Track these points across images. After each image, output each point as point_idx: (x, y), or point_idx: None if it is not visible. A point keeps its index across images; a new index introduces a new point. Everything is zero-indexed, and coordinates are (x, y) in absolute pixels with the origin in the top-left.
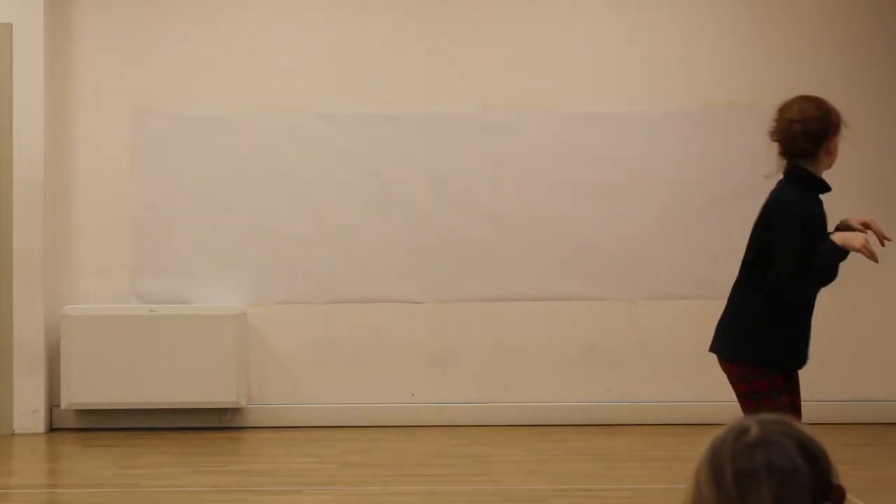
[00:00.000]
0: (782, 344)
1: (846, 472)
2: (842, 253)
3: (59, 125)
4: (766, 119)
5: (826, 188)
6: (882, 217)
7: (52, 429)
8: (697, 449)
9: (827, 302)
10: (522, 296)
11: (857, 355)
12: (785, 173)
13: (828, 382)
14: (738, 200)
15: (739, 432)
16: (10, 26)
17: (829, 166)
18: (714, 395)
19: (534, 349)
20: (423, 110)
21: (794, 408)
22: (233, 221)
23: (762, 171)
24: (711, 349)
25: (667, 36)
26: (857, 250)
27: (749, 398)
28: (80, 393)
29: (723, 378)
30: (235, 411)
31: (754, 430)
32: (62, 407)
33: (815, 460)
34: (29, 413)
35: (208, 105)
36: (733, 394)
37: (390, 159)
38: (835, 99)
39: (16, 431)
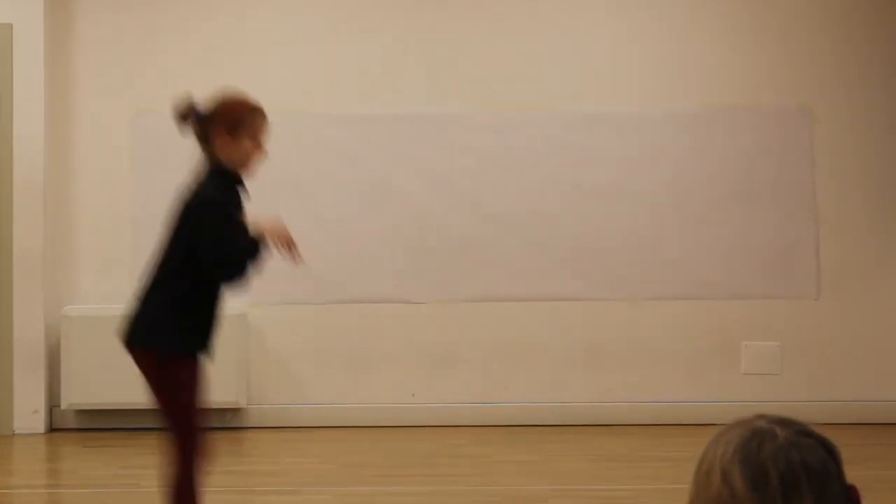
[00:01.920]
0: (196, 331)
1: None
2: (258, 243)
3: (59, 125)
4: (765, 119)
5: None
6: (882, 217)
7: (52, 429)
8: (697, 449)
9: (827, 302)
10: (522, 296)
11: (857, 355)
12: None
13: (828, 382)
14: (737, 200)
15: (765, 433)
16: (10, 26)
17: (245, 162)
18: (714, 395)
19: (534, 349)
20: (423, 110)
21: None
22: None
23: (762, 171)
24: (125, 342)
25: (666, 36)
26: (274, 240)
27: (163, 386)
28: (80, 393)
29: (723, 378)
30: (235, 411)
31: (781, 431)
32: (62, 407)
33: (837, 459)
34: (29, 413)
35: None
36: (733, 394)
37: (390, 159)
38: (834, 98)
39: (16, 431)
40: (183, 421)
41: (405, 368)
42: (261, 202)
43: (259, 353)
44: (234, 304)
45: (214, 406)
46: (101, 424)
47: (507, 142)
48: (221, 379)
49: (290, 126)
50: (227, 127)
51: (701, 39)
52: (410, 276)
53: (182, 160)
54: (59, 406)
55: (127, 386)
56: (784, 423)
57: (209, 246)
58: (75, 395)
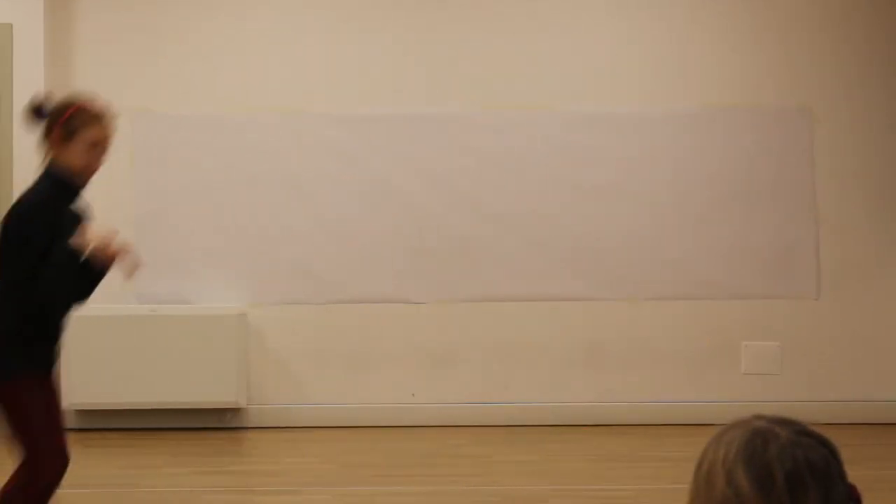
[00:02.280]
0: (31, 350)
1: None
2: (77, 258)
3: None
4: (765, 119)
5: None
6: (882, 217)
7: None
8: (697, 449)
9: (827, 302)
10: (522, 296)
11: (857, 355)
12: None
13: (828, 382)
14: (737, 200)
15: (767, 433)
16: (10, 26)
17: (80, 170)
18: (714, 395)
19: (534, 349)
20: (423, 110)
21: (57, 407)
22: (233, 221)
23: (762, 171)
24: None
25: (666, 36)
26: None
27: (8, 415)
28: (80, 393)
29: (723, 378)
30: (235, 411)
31: (782, 431)
32: (62, 407)
33: (838, 458)
34: None
35: (208, 105)
36: (733, 394)
37: (390, 159)
38: (834, 98)
39: None
40: (33, 447)
41: (405, 368)
42: (261, 202)
43: (259, 353)
44: (233, 303)
45: (214, 406)
46: (100, 424)
47: (507, 142)
48: (221, 379)
49: (290, 126)
50: (63, 130)
51: (701, 39)
52: (410, 276)
53: (182, 160)
54: None
55: (127, 386)
56: (783, 422)
57: (12, 262)
58: (75, 395)
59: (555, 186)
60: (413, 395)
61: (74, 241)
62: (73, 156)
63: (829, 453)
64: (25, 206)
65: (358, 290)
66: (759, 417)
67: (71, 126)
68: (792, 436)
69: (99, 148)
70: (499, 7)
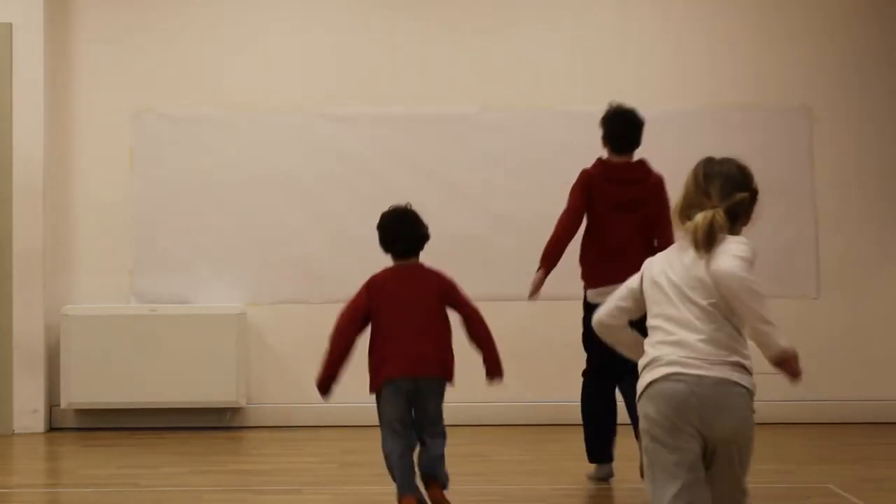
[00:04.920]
0: None
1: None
2: None
3: (59, 125)
4: (765, 119)
5: None
6: (882, 216)
7: (52, 428)
8: None
9: (827, 301)
10: (522, 296)
11: (857, 355)
12: None
13: (828, 382)
14: None
15: (713, 159)
16: (9, 26)
17: None
18: None
19: (534, 349)
20: (423, 110)
21: None
22: (233, 221)
23: (762, 171)
24: None
25: (666, 36)
26: None
27: None
28: (79, 393)
29: None
30: (235, 411)
31: (721, 159)
32: (62, 407)
33: (747, 174)
34: (29, 413)
35: (208, 105)
36: None
37: (390, 159)
38: (834, 97)
39: (16, 431)
40: None
41: None
42: (261, 202)
43: (259, 353)
44: (233, 303)
45: (214, 406)
46: (100, 424)
47: (507, 141)
48: (221, 379)
49: (291, 126)
50: None
51: (701, 39)
52: None
53: (182, 160)
54: (58, 405)
55: (126, 385)
56: (726, 159)
57: None
58: (75, 395)
59: (555, 186)
60: None
61: None
62: None
63: (738, 170)
64: None
65: (358, 290)
66: (715, 157)
67: None
68: (723, 160)
69: None
70: (498, 7)
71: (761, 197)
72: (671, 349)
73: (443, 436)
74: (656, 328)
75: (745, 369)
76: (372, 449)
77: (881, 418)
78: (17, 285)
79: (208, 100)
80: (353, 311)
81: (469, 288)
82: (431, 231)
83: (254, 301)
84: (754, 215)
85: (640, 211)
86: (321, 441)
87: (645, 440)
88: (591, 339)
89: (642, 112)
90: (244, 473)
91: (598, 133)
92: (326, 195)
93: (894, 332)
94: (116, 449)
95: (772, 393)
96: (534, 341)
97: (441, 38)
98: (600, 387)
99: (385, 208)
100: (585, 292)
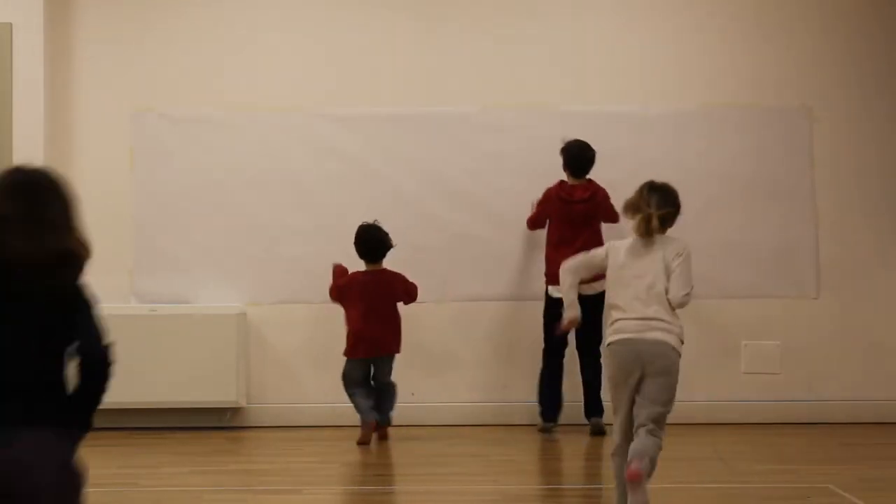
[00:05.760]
0: None
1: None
2: None
3: (59, 125)
4: (765, 119)
5: None
6: (881, 216)
7: None
8: (697, 448)
9: (826, 301)
10: (522, 296)
11: (857, 354)
12: None
13: (827, 381)
14: (737, 199)
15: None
16: (9, 26)
17: None
18: (714, 395)
19: (533, 349)
20: (423, 110)
21: None
22: (233, 221)
23: (762, 171)
24: None
25: (666, 36)
26: None
27: None
28: None
29: (723, 378)
30: (235, 411)
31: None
32: None
33: (670, 195)
34: None
35: (208, 105)
36: (733, 393)
37: (390, 159)
38: (834, 97)
39: None
40: None
41: (405, 368)
42: (261, 202)
43: (259, 353)
44: (233, 303)
45: (214, 406)
46: (100, 424)
47: (507, 141)
48: (221, 379)
49: (291, 126)
50: None
51: (701, 39)
52: (410, 275)
53: (182, 160)
54: None
55: (126, 385)
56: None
57: None
58: None
59: None
60: (413, 394)
61: None
62: None
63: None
64: None
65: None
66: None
67: None
68: (648, 183)
69: None
70: (499, 7)
71: (761, 196)
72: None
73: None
74: None
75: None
76: (372, 449)
77: (881, 418)
78: None
79: (208, 100)
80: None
81: (468, 288)
82: (431, 231)
83: (254, 301)
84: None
85: (591, 223)
86: (321, 441)
87: None
88: (548, 325)
89: (642, 112)
90: (244, 473)
91: (599, 133)
92: (326, 195)
93: (894, 332)
94: (116, 449)
95: (772, 393)
96: (533, 341)
97: (441, 38)
98: (552, 363)
99: (385, 208)
100: (546, 288)
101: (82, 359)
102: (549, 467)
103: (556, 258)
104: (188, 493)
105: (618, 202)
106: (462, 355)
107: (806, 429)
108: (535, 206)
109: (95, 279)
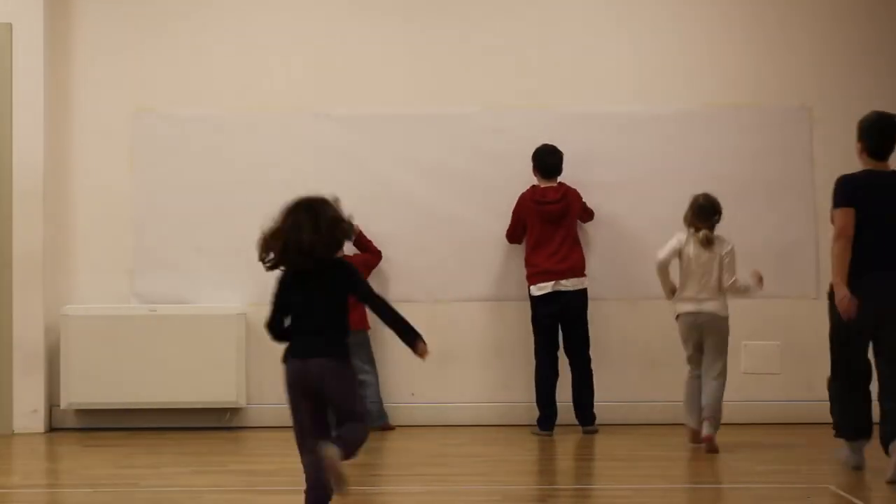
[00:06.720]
0: None
1: (846, 472)
2: None
3: (59, 125)
4: (765, 119)
5: None
6: None
7: (52, 429)
8: (697, 448)
9: (827, 302)
10: (522, 296)
11: None
12: None
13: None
14: (737, 199)
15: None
16: (9, 26)
17: None
18: None
19: (533, 349)
20: (423, 110)
21: None
22: (232, 221)
23: (762, 171)
24: None
25: (666, 36)
26: None
27: None
28: (79, 393)
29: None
30: (235, 411)
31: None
32: (62, 407)
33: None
34: (29, 413)
35: (208, 105)
36: (733, 393)
37: (391, 159)
38: (834, 97)
39: (16, 431)
40: None
41: (405, 368)
42: (261, 202)
43: (259, 353)
44: (233, 303)
45: (214, 406)
46: (100, 424)
47: (507, 141)
48: (221, 379)
49: (291, 126)
50: None
51: (701, 39)
52: (410, 275)
53: (182, 160)
54: (58, 405)
55: (126, 386)
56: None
57: None
58: (75, 395)
59: None
60: (413, 394)
61: None
62: None
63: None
64: None
65: None
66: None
67: None
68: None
69: None
70: (499, 8)
71: (761, 196)
72: None
73: None
74: None
75: None
76: (371, 449)
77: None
78: (17, 286)
79: (208, 100)
80: None
81: (469, 288)
82: (431, 231)
83: (254, 301)
84: None
85: (564, 222)
86: None
87: None
88: (538, 323)
89: (642, 112)
90: (244, 473)
91: (598, 134)
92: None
93: None
94: (116, 449)
95: (772, 393)
96: (533, 341)
97: (441, 38)
98: (545, 361)
99: (385, 208)
100: (529, 288)
101: (364, 302)
102: (549, 467)
103: (535, 260)
104: (188, 493)
105: (618, 202)
106: (462, 355)
107: (806, 429)
108: (512, 215)
109: (95, 279)
